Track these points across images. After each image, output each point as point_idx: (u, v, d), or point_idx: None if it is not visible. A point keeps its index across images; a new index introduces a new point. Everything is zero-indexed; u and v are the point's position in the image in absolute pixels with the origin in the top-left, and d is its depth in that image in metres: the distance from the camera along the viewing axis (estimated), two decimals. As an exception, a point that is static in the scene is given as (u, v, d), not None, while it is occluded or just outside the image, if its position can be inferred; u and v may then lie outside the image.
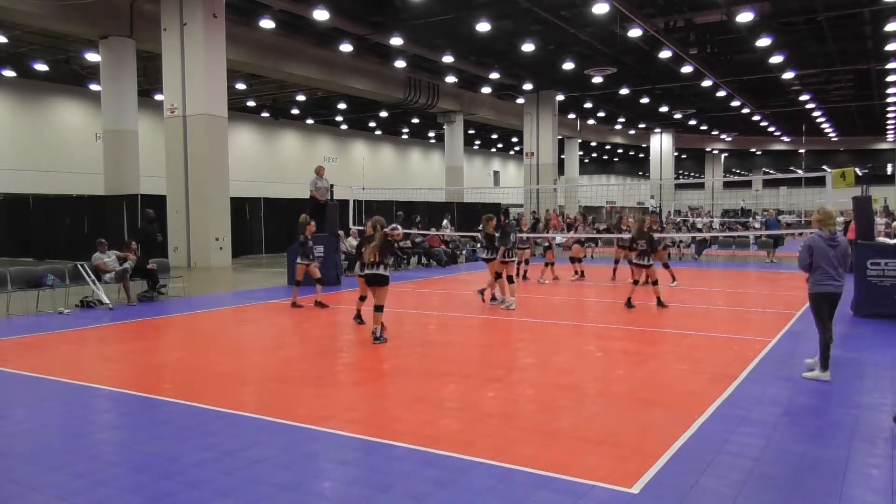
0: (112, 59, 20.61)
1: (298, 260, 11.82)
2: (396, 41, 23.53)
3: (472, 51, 26.65)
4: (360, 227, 10.96)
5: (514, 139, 50.72)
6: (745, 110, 39.24)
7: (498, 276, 11.24)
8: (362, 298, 9.41)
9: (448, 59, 26.79)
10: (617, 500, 3.82)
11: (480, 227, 12.44)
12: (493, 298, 11.70)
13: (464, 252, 22.18)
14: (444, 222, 24.09)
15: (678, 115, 42.55)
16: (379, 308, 8.19)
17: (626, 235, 17.57)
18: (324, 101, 36.13)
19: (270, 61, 24.71)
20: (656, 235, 12.66)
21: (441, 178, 41.16)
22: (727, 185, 64.97)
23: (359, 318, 9.50)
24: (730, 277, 16.61)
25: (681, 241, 23.36)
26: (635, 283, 11.14)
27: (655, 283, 11.28)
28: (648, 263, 11.12)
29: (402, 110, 36.50)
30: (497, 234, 11.30)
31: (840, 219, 13.30)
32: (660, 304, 10.99)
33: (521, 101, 36.06)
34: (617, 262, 16.12)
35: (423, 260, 20.00)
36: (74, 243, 19.90)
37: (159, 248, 14.45)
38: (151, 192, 20.60)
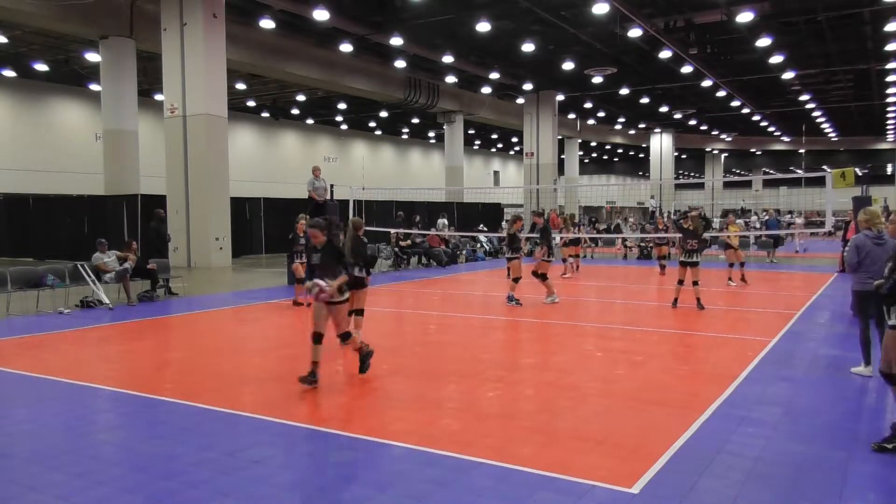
0: (112, 59, 20.60)
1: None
2: (396, 41, 23.52)
3: (472, 51, 26.64)
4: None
5: (514, 139, 50.70)
6: (745, 110, 39.23)
7: (543, 276, 11.69)
8: (316, 338, 6.21)
9: (448, 59, 26.78)
10: (617, 500, 3.82)
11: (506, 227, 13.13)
12: (511, 298, 11.74)
13: (464, 252, 22.15)
14: (440, 222, 23.80)
15: (678, 115, 42.53)
16: (359, 312, 7.79)
17: (664, 235, 17.91)
18: (324, 101, 36.12)
19: (270, 61, 24.70)
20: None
21: (441, 178, 41.14)
22: (727, 185, 64.95)
23: (311, 377, 6.13)
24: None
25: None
26: (694, 283, 11.03)
27: (696, 283, 11.23)
28: (697, 261, 11.13)
29: (402, 110, 36.50)
30: (521, 237, 12.03)
31: (833, 219, 13.29)
32: (699, 305, 10.91)
33: (521, 101, 36.05)
34: (662, 258, 17.37)
35: (423, 260, 20.00)
36: (74, 243, 19.87)
37: (167, 248, 14.51)
38: (151, 192, 20.58)
